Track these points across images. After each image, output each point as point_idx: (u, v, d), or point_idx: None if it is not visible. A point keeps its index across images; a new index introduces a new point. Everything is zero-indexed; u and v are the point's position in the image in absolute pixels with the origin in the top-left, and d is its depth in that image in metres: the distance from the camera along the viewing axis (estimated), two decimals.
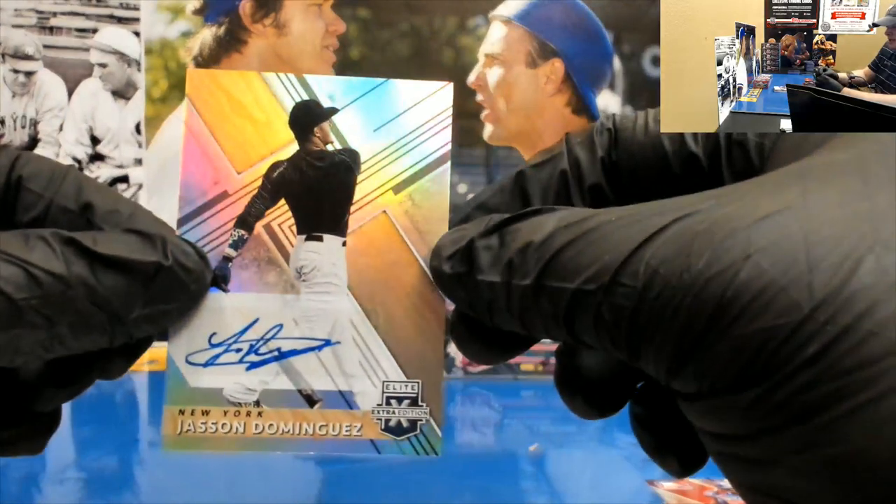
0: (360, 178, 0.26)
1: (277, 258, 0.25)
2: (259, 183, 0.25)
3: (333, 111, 0.26)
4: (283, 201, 0.25)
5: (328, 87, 0.26)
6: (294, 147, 0.25)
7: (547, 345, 0.81)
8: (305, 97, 0.26)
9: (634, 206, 0.21)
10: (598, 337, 0.20)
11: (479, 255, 0.23)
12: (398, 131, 0.26)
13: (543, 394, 0.71)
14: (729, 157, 0.24)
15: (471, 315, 0.24)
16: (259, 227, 0.25)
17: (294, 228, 0.25)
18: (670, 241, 0.19)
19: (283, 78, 0.26)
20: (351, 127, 0.26)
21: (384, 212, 0.26)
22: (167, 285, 0.23)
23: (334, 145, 0.26)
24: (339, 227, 0.25)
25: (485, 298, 0.23)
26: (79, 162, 0.88)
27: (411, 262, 0.25)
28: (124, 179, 0.88)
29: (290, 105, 0.26)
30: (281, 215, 0.25)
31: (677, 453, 0.24)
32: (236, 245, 0.25)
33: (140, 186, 0.88)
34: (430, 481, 0.50)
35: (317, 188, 0.25)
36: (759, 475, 0.18)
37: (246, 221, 0.25)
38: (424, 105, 0.26)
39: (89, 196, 0.24)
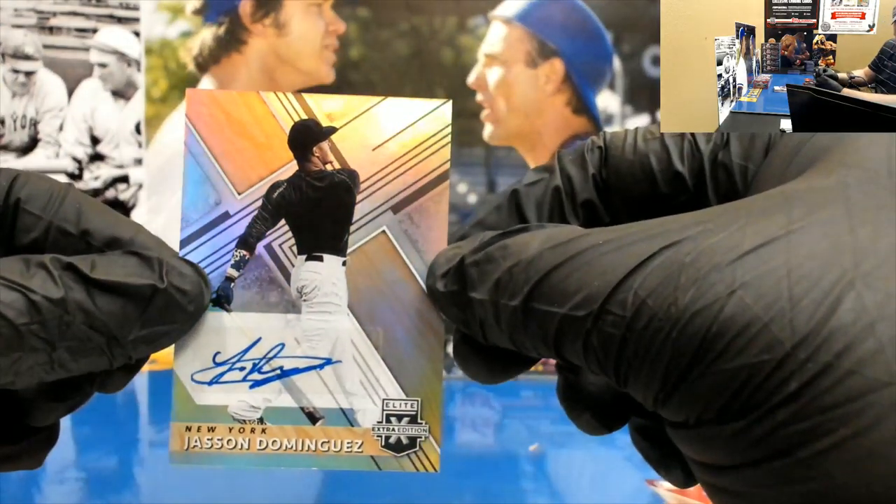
0: (359, 197, 0.26)
1: (279, 278, 0.26)
2: (259, 203, 0.26)
3: (332, 130, 0.26)
4: (283, 221, 0.26)
5: (327, 106, 0.26)
6: (293, 167, 0.26)
7: None
8: (304, 116, 0.26)
9: (622, 227, 0.21)
10: (587, 361, 0.21)
11: (470, 273, 0.23)
12: (397, 150, 0.26)
13: (543, 394, 0.71)
14: (714, 179, 0.25)
15: (467, 333, 0.24)
16: (260, 247, 0.26)
17: (295, 248, 0.26)
18: (658, 271, 0.19)
19: (282, 97, 0.26)
20: (350, 146, 0.26)
21: (384, 231, 0.26)
22: (163, 307, 0.23)
23: (333, 165, 0.26)
24: (339, 247, 0.26)
25: (477, 316, 0.23)
26: (79, 162, 0.88)
27: (411, 280, 0.25)
28: (124, 179, 0.88)
29: (288, 125, 0.26)
30: (282, 235, 0.26)
31: (682, 464, 0.24)
32: (238, 265, 0.25)
33: (140, 186, 0.88)
34: (430, 481, 0.50)
35: (317, 208, 0.26)
36: None
37: (247, 242, 0.26)
38: (423, 123, 0.26)
39: (89, 219, 0.24)
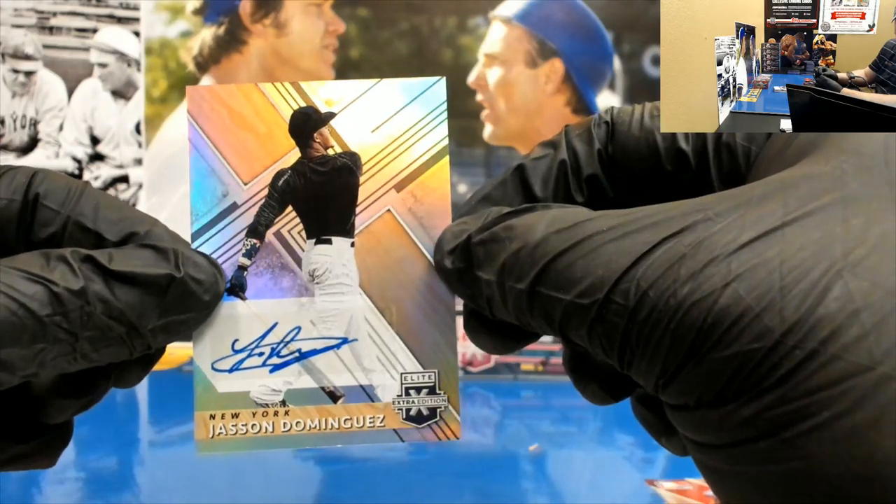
0: (362, 178, 0.26)
1: (290, 263, 0.26)
2: (266, 192, 0.26)
3: (331, 116, 0.26)
4: (290, 208, 0.26)
5: (324, 92, 0.26)
6: (296, 154, 0.26)
7: (547, 344, 0.80)
8: (302, 104, 0.26)
9: (626, 213, 0.21)
10: (591, 345, 0.21)
11: (476, 252, 0.23)
12: (396, 130, 0.26)
13: (543, 394, 0.71)
14: (717, 158, 0.25)
15: (474, 308, 0.25)
16: (270, 234, 0.26)
17: (303, 234, 0.26)
18: (659, 262, 0.20)
19: (280, 87, 0.26)
20: (349, 129, 0.26)
21: (389, 210, 0.26)
22: (180, 296, 0.23)
23: (335, 149, 0.26)
24: (346, 229, 0.26)
25: (484, 294, 0.23)
26: (79, 162, 0.88)
27: (418, 256, 0.26)
28: (124, 179, 0.89)
29: (288, 113, 0.26)
30: (290, 222, 0.26)
31: None
32: (249, 254, 0.26)
33: (140, 186, 0.88)
34: (430, 481, 0.50)
35: (322, 193, 0.26)
36: (727, 484, 0.20)
37: (256, 230, 0.26)
38: (419, 101, 0.27)
39: (106, 214, 0.24)
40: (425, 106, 0.27)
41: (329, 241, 0.26)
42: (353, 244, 0.26)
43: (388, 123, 0.26)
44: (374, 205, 0.26)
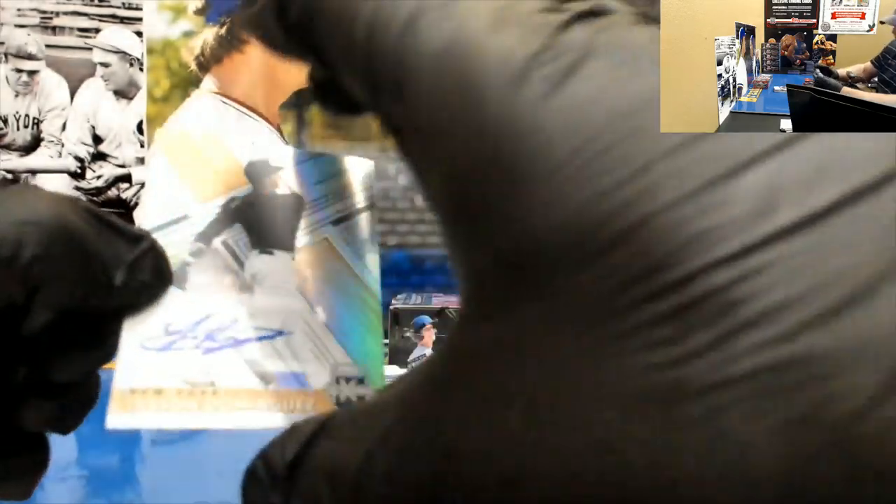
0: (305, 213, 0.30)
1: (233, 265, 0.28)
2: (218, 211, 0.29)
3: (280, 168, 0.30)
4: (238, 225, 0.29)
5: (276, 151, 0.31)
6: (249, 188, 0.30)
7: None
8: (260, 158, 0.30)
9: None
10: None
11: None
12: (332, 186, 0.31)
13: None
14: None
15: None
16: (217, 241, 0.28)
17: (248, 244, 0.29)
18: None
19: (241, 139, 0.30)
20: (296, 180, 0.31)
21: (326, 238, 0.29)
22: (148, 256, 0.25)
23: (283, 188, 0.30)
24: (288, 247, 0.29)
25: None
26: (81, 161, 0.88)
27: (351, 274, 0.29)
28: (126, 178, 0.89)
29: (245, 161, 0.30)
30: (236, 234, 0.29)
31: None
32: (195, 255, 0.27)
33: (142, 185, 0.88)
34: None
35: (268, 218, 0.30)
36: None
37: (205, 234, 0.28)
38: (350, 173, 0.32)
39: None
40: (356, 179, 0.31)
41: (271, 252, 0.29)
42: (293, 258, 0.29)
43: (327, 181, 0.31)
44: (314, 233, 0.29)
